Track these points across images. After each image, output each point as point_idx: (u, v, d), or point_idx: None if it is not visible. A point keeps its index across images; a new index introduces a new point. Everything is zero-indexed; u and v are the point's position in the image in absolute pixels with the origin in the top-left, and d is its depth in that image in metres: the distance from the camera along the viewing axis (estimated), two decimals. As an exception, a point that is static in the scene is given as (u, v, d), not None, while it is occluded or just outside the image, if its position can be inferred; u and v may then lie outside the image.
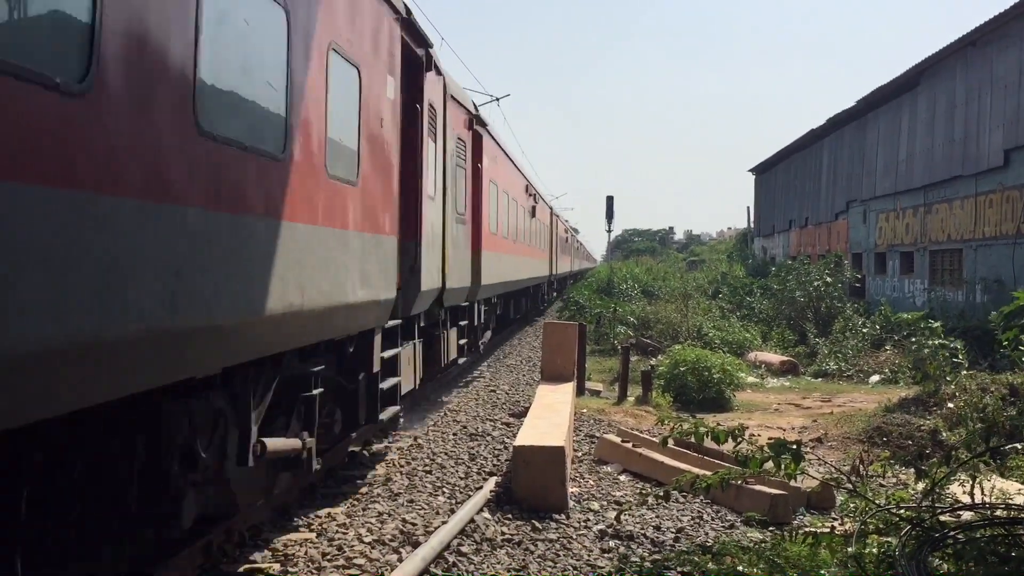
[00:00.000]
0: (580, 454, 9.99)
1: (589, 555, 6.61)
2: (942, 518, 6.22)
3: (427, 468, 8.94)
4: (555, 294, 40.21)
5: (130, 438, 4.73)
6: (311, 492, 7.85)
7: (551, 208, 34.62)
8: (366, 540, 6.54)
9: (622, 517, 7.41)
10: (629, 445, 9.64)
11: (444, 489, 8.19)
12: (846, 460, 9.63)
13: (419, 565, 5.95)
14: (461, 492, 8.10)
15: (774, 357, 19.68)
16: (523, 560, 6.40)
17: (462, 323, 13.55)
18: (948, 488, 6.89)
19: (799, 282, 25.52)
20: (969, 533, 5.83)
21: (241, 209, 4.87)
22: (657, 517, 7.65)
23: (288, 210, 5.48)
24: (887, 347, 19.68)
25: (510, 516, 7.37)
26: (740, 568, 5.98)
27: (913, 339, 13.79)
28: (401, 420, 10.20)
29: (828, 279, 25.17)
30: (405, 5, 8.56)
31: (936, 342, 12.93)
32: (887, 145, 29.15)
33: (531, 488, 7.70)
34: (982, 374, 12.38)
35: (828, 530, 6.50)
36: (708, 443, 7.39)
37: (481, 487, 8.12)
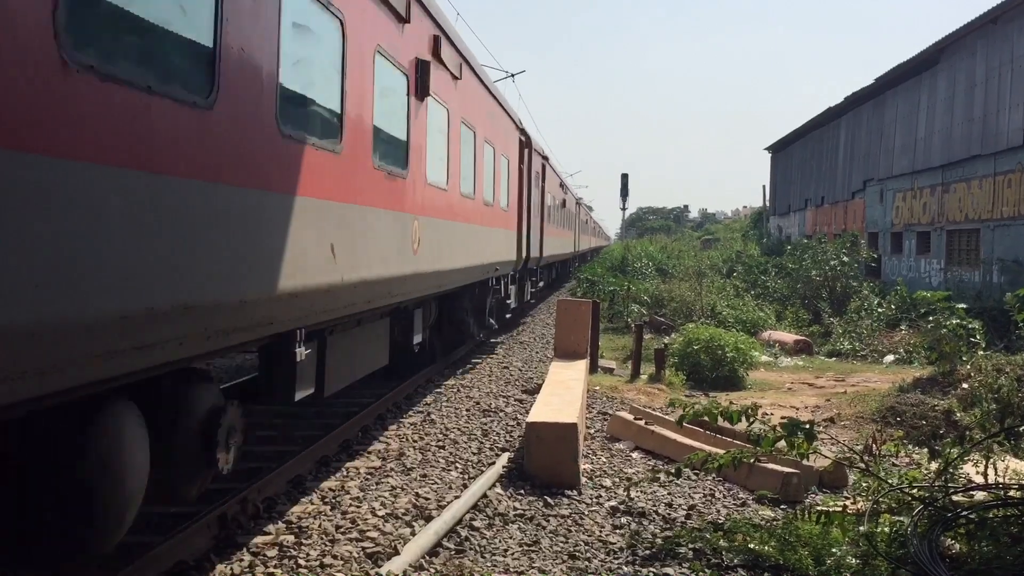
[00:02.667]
0: (593, 431, 10.02)
1: (601, 531, 6.65)
2: (955, 498, 6.22)
3: (440, 443, 8.99)
4: (579, 263, 47.79)
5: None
6: (325, 464, 7.91)
7: (578, 200, 44.78)
8: (379, 514, 6.59)
9: (634, 494, 7.44)
10: (641, 423, 9.65)
11: (457, 464, 8.24)
12: (859, 440, 9.62)
13: (432, 539, 6.00)
14: (474, 467, 8.15)
15: (788, 336, 19.62)
16: (535, 535, 6.44)
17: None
18: (961, 468, 6.88)
19: (814, 261, 25.40)
20: (982, 513, 5.83)
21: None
22: (669, 494, 7.67)
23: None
24: (902, 327, 19.58)
25: (523, 492, 7.42)
26: (751, 545, 6.01)
27: (931, 318, 13.68)
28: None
29: (844, 258, 25.02)
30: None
31: (955, 322, 12.84)
32: (905, 123, 28.87)
33: (544, 464, 7.74)
34: (998, 355, 12.32)
35: (840, 509, 6.50)
36: (721, 421, 7.40)
37: (494, 463, 8.16)
